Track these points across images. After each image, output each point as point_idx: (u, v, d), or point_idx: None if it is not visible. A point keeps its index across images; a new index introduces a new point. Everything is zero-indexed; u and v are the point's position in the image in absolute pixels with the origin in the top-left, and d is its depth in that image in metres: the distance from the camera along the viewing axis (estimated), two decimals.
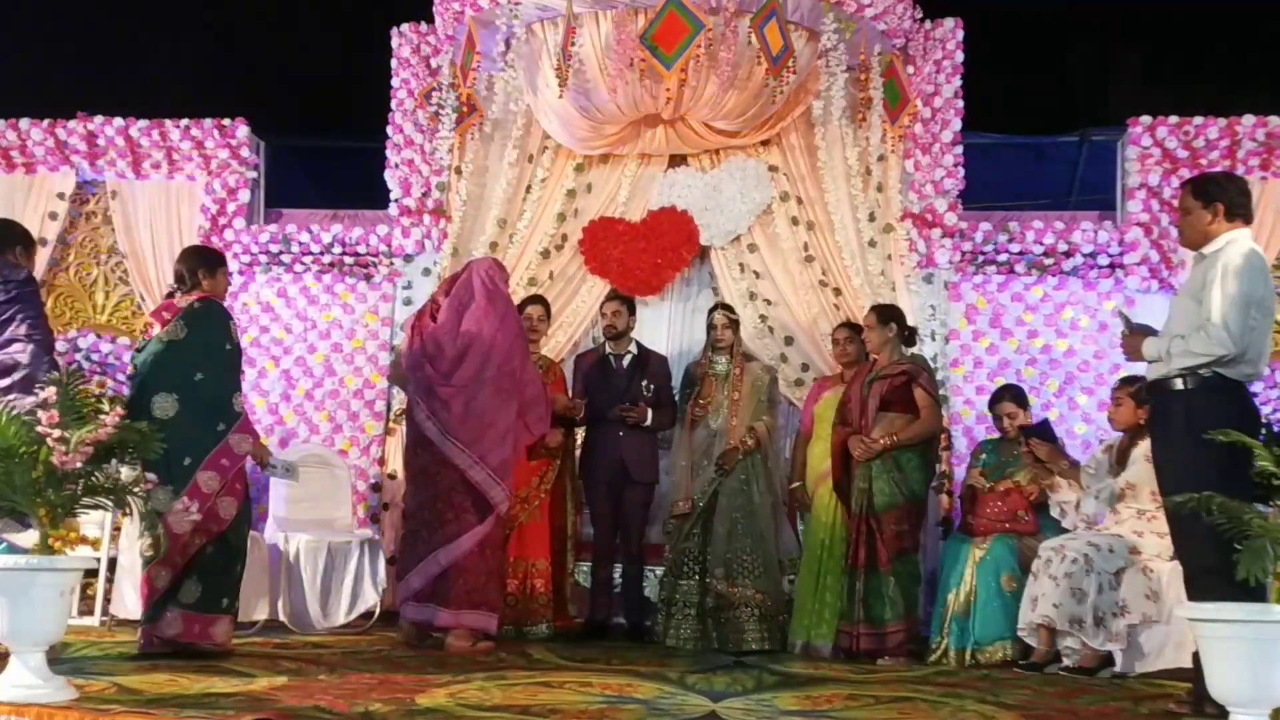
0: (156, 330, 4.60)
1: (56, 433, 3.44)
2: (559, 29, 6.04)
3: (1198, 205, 3.96)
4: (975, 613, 5.12)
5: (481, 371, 5.00)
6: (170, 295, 4.78)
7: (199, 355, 4.53)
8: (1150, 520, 4.88)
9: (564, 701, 3.76)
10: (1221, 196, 3.92)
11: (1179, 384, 3.82)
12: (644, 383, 5.70)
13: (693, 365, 5.87)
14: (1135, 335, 4.06)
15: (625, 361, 5.81)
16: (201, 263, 4.77)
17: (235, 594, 4.64)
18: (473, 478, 4.94)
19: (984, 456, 5.62)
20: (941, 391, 6.04)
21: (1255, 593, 3.17)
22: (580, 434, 5.96)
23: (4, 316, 4.62)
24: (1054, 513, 5.25)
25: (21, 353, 4.57)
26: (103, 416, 3.53)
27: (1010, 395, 5.65)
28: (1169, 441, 3.89)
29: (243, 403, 4.68)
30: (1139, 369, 6.28)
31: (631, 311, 5.91)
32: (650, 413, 5.65)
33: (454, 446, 4.95)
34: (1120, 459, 5.04)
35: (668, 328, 6.81)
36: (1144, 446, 4.85)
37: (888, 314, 5.44)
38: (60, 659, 4.17)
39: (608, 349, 5.87)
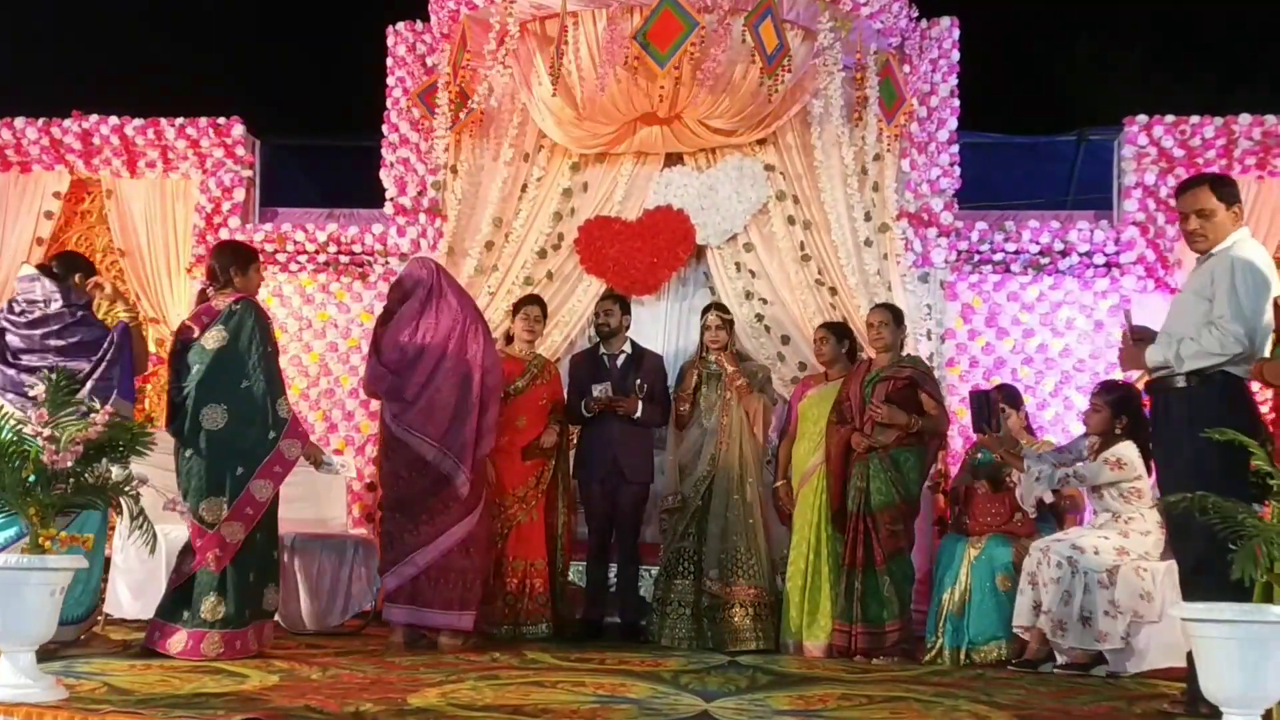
0: (196, 334, 4.59)
1: (47, 432, 3.42)
2: (553, 27, 6.02)
3: (1222, 206, 3.89)
4: (970, 612, 5.12)
5: (436, 368, 5.01)
6: (203, 295, 4.79)
7: (242, 362, 4.54)
8: (1128, 522, 4.88)
9: (556, 701, 3.75)
10: (1239, 197, 3.92)
11: (1181, 382, 3.80)
12: (638, 381, 5.69)
13: (687, 364, 5.86)
14: (1136, 345, 4.00)
15: (620, 360, 5.80)
16: (233, 259, 4.77)
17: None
18: (443, 469, 4.94)
19: (979, 455, 5.60)
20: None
21: (1249, 593, 3.16)
22: (575, 434, 5.94)
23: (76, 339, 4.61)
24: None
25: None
26: (93, 415, 3.51)
27: (1003, 395, 5.61)
28: (1171, 440, 3.87)
29: (289, 406, 4.69)
30: (1137, 371, 6.32)
31: (625, 310, 5.90)
32: (640, 405, 5.63)
33: (417, 438, 4.96)
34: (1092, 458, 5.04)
35: (664, 327, 6.80)
36: (1113, 449, 4.84)
37: (900, 314, 5.49)
38: (54, 657, 4.17)
39: (602, 348, 5.86)
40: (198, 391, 4.52)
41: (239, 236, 7.02)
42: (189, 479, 4.51)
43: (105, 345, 4.53)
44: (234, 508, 4.47)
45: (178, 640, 4.43)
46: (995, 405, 5.16)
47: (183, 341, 4.65)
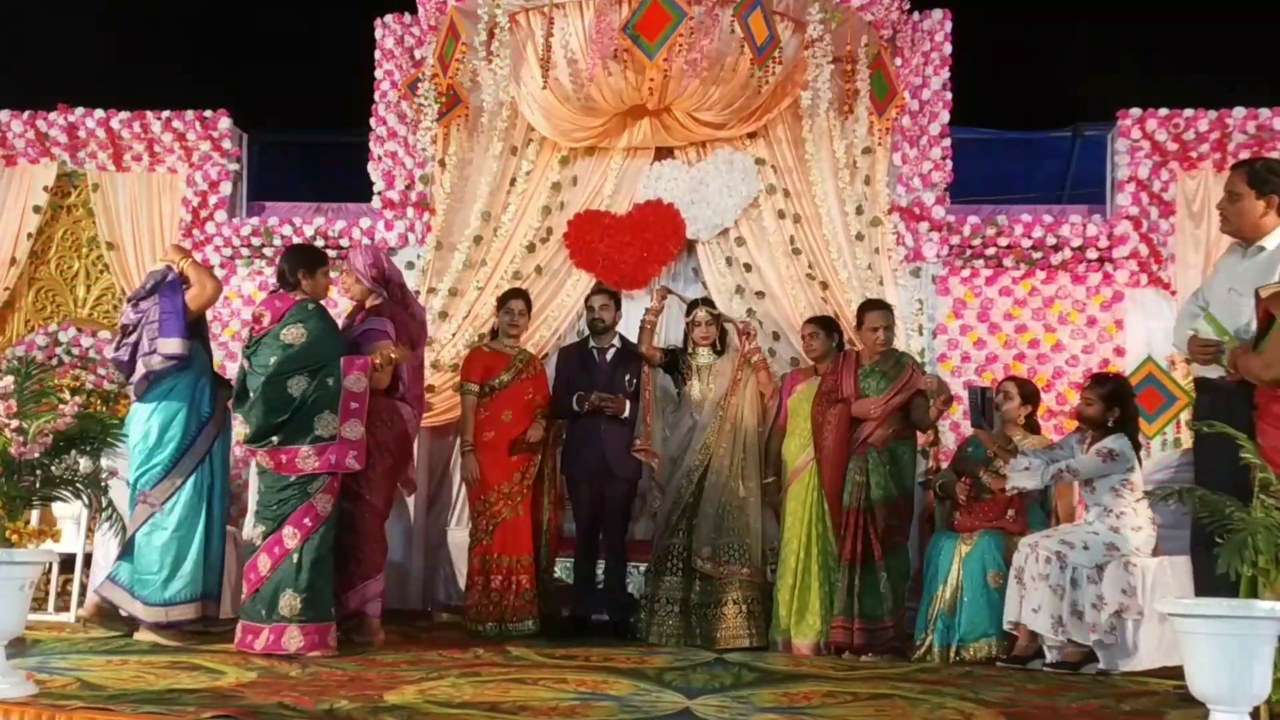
0: (268, 321, 4.71)
1: (14, 423, 3.37)
2: (541, 19, 5.97)
3: (1251, 193, 3.84)
4: (961, 609, 5.07)
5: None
6: (275, 291, 4.90)
7: (317, 359, 4.69)
8: (1119, 517, 4.82)
9: (535, 698, 3.70)
10: (1278, 188, 3.83)
11: (1227, 383, 3.77)
12: (626, 376, 5.64)
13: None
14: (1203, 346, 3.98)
15: (609, 355, 5.75)
16: (302, 263, 4.89)
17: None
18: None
19: (970, 449, 5.55)
20: None
21: None
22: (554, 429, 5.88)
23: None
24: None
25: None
26: (61, 406, 3.45)
27: (1020, 390, 5.55)
28: (1216, 438, 3.83)
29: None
30: (1124, 363, 6.27)
31: (618, 306, 5.85)
32: (629, 405, 5.58)
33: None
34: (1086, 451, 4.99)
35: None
36: (1104, 442, 4.79)
37: (891, 311, 5.47)
38: (27, 653, 4.12)
39: (592, 342, 5.80)
40: (284, 369, 4.64)
41: (225, 230, 6.98)
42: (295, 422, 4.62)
43: (150, 286, 4.79)
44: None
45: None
46: (990, 400, 5.13)
47: (256, 329, 4.75)
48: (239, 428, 4.77)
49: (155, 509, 4.73)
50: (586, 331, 5.99)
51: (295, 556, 4.56)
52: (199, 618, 4.84)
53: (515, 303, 5.77)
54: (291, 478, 4.62)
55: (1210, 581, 3.67)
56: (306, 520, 4.61)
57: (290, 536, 4.59)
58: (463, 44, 6.32)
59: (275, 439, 4.62)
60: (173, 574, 4.73)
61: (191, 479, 4.80)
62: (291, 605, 4.53)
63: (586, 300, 5.97)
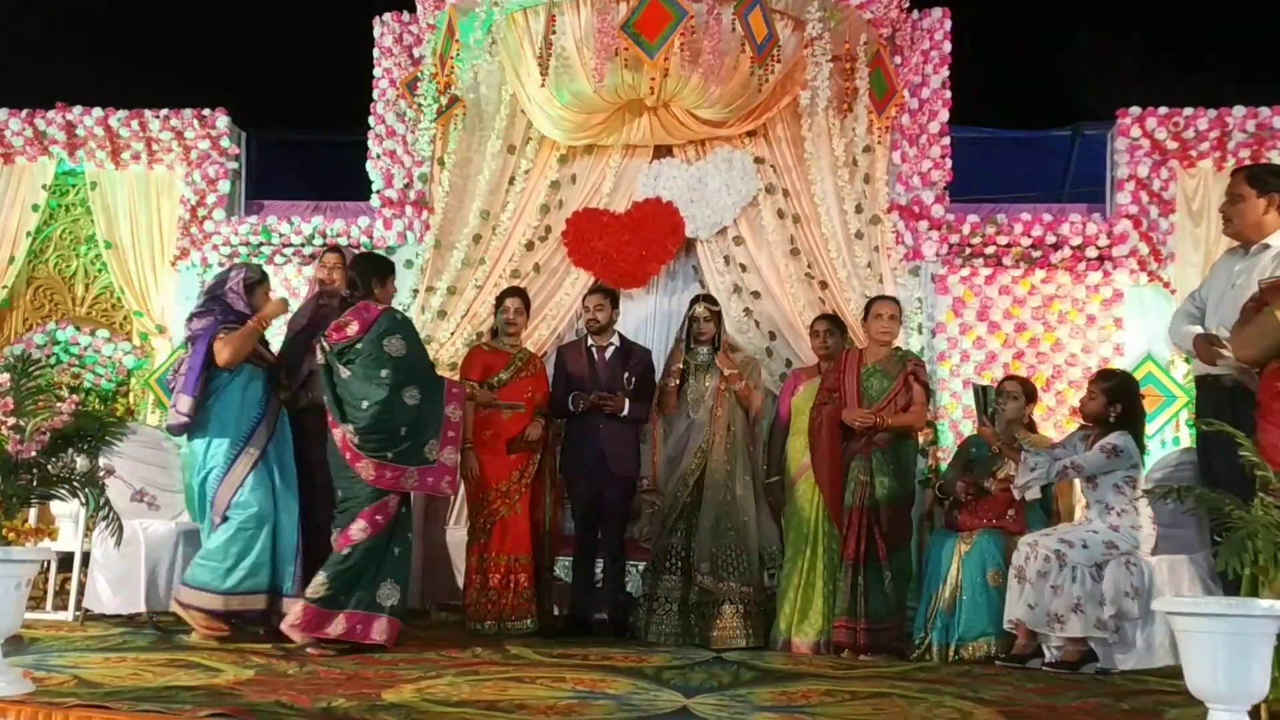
0: (356, 329, 4.81)
1: (12, 421, 3.36)
2: (541, 17, 5.96)
3: (1252, 193, 3.92)
4: (961, 609, 5.05)
5: None
6: (346, 300, 5.01)
7: (414, 369, 4.88)
8: (1120, 515, 4.82)
9: (533, 697, 3.69)
10: (1278, 188, 3.89)
11: (1228, 380, 3.78)
12: (625, 375, 5.63)
13: (668, 363, 5.77)
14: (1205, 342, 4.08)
15: (608, 354, 5.74)
16: (376, 270, 5.06)
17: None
18: None
19: (973, 450, 5.55)
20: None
21: None
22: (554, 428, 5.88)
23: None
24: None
25: None
26: (59, 405, 3.45)
27: (1024, 388, 5.54)
28: (1218, 436, 3.84)
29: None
30: (1123, 361, 6.26)
31: (614, 305, 5.84)
32: (628, 403, 5.58)
33: None
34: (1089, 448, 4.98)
35: (652, 321, 6.74)
36: (1108, 438, 4.79)
37: (898, 304, 5.46)
38: (25, 651, 4.12)
39: (590, 341, 5.79)
40: (392, 386, 4.77)
41: (224, 229, 6.97)
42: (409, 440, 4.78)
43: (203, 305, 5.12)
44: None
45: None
46: (993, 397, 5.12)
47: (340, 338, 4.84)
48: (336, 433, 4.82)
49: (222, 511, 4.88)
50: (586, 331, 5.97)
51: (357, 556, 4.71)
52: (263, 610, 4.93)
53: (511, 301, 5.77)
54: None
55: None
56: (379, 518, 4.76)
57: (360, 531, 4.72)
58: (460, 42, 6.32)
59: (390, 454, 4.76)
60: (234, 565, 4.84)
61: (251, 477, 4.91)
62: (390, 595, 4.73)
63: (583, 300, 5.96)
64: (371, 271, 5.05)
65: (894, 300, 5.48)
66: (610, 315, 5.76)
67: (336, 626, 4.64)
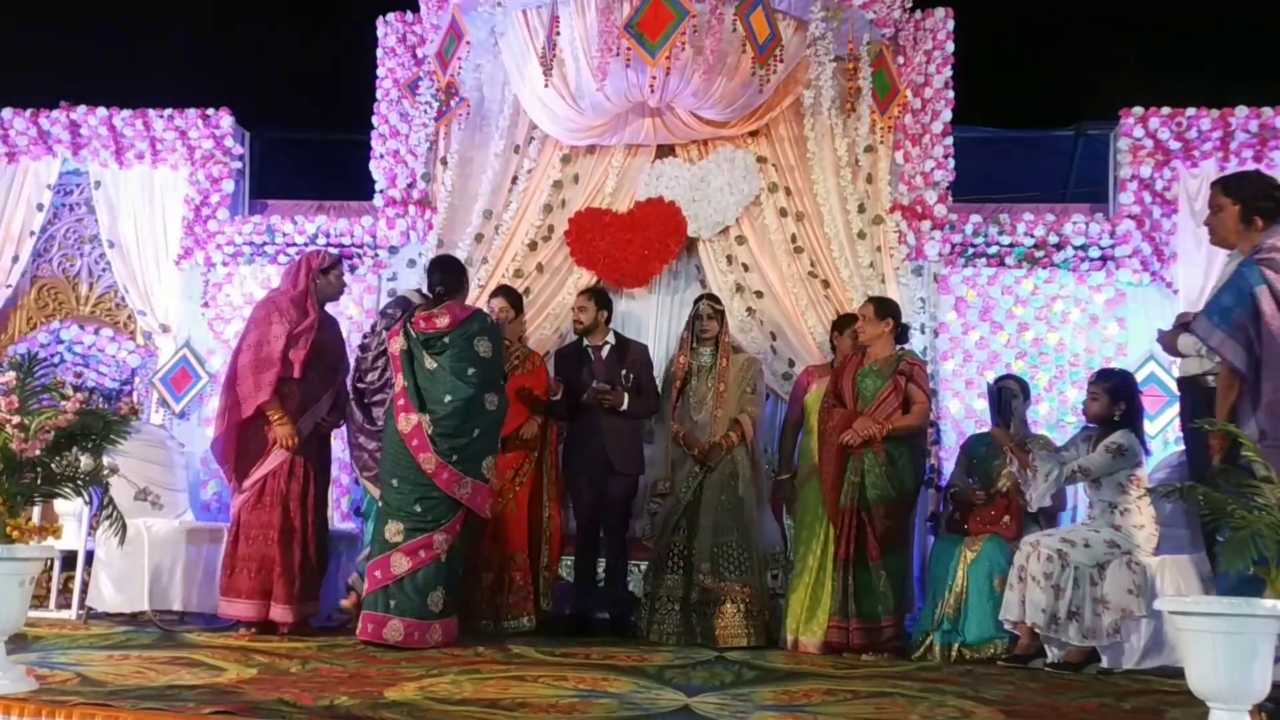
0: (447, 322, 4.96)
1: (16, 419, 3.37)
2: (544, 17, 5.96)
3: (1228, 202, 4.02)
4: (966, 614, 5.05)
5: None
6: (430, 300, 5.14)
7: (497, 368, 5.07)
8: (1123, 514, 4.82)
9: (535, 695, 3.70)
10: (1249, 198, 3.96)
11: (1211, 380, 3.80)
12: (624, 372, 5.64)
13: (671, 363, 5.78)
14: (1172, 331, 4.14)
15: (604, 352, 5.75)
16: (459, 273, 5.28)
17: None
18: None
19: (983, 450, 5.53)
20: (930, 385, 5.96)
21: None
22: (555, 427, 5.87)
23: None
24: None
25: None
26: (63, 403, 3.45)
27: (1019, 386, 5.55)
28: (1201, 436, 3.86)
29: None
30: (1126, 361, 6.26)
31: (601, 305, 5.80)
32: (627, 397, 5.58)
33: None
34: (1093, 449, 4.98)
35: (655, 320, 6.73)
36: (1112, 438, 4.79)
37: (885, 308, 5.39)
38: (28, 649, 4.13)
39: (585, 341, 5.79)
40: (479, 386, 4.90)
41: (227, 228, 6.98)
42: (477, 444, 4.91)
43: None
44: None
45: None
46: (1008, 399, 5.13)
47: (429, 327, 4.96)
48: (409, 420, 4.88)
49: None
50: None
51: (444, 557, 4.83)
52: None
53: (495, 301, 5.80)
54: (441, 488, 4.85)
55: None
56: (458, 526, 4.89)
57: (442, 543, 4.84)
58: (465, 42, 6.32)
59: (455, 456, 4.85)
60: None
61: None
62: (439, 603, 4.82)
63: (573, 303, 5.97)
64: (457, 274, 5.20)
65: (870, 301, 5.45)
66: (595, 316, 5.74)
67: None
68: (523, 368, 5.70)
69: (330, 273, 5.48)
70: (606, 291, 6.03)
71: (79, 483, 3.53)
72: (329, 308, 5.64)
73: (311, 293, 5.42)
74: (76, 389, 3.70)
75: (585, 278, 6.53)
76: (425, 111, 6.62)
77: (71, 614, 5.49)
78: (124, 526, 3.61)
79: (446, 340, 4.91)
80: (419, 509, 4.82)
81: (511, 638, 5.24)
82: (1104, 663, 4.67)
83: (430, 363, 4.89)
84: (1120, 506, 4.82)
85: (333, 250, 6.53)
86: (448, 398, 4.83)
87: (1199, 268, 6.34)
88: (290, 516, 5.17)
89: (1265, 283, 3.75)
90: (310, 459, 5.29)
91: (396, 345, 4.98)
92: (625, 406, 5.57)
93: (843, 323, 5.70)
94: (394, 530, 4.85)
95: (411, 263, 6.67)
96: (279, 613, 5.08)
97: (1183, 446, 4.82)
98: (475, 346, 4.92)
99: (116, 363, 6.93)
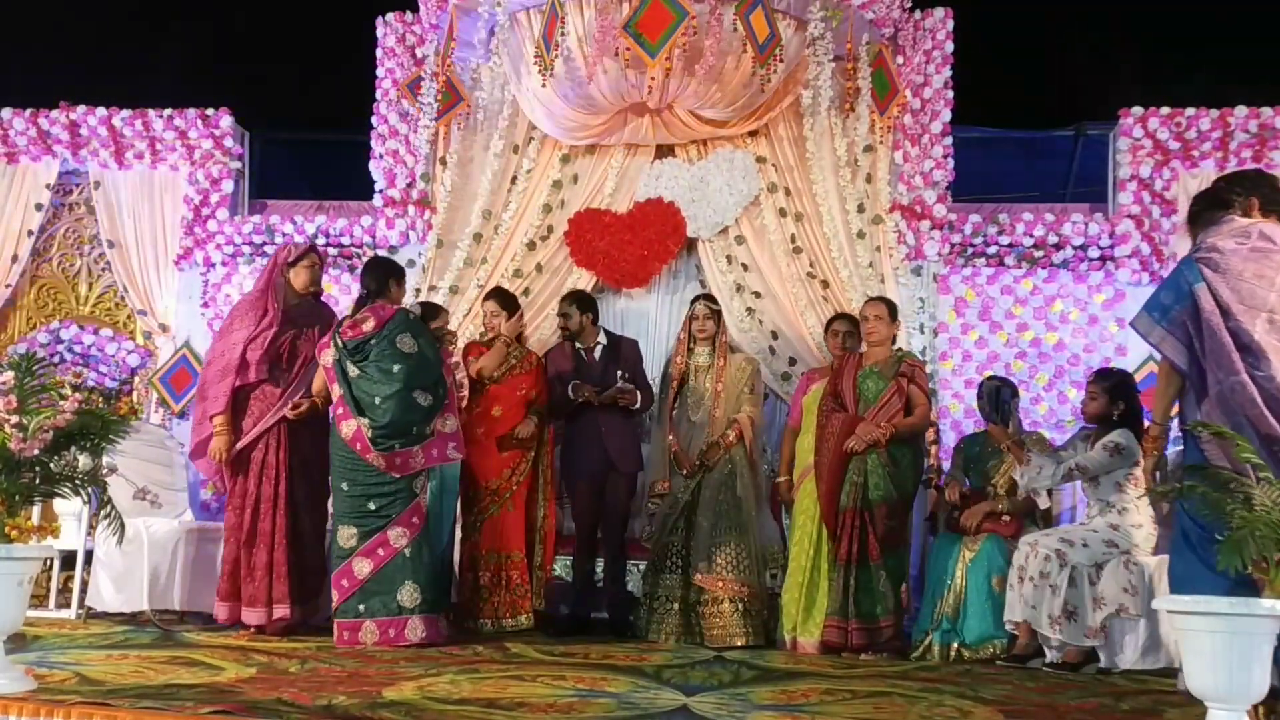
0: (372, 326, 4.98)
1: (15, 419, 3.37)
2: (543, 17, 5.97)
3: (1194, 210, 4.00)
4: (965, 614, 5.05)
5: None
6: (366, 299, 5.14)
7: (432, 365, 5.07)
8: (1121, 513, 4.82)
9: (534, 695, 3.69)
10: (1256, 193, 3.93)
11: None
12: (618, 371, 5.63)
13: (669, 364, 5.78)
14: None
15: (597, 352, 5.74)
16: (391, 273, 5.27)
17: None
18: None
19: (978, 449, 5.53)
20: (930, 385, 5.97)
21: None
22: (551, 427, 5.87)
23: None
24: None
25: None
26: (62, 403, 3.46)
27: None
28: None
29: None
30: (1125, 361, 6.25)
31: (585, 309, 5.74)
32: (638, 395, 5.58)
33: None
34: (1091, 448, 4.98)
35: (654, 320, 6.74)
36: (1110, 436, 4.80)
37: (894, 309, 5.42)
38: (27, 649, 4.13)
39: (577, 342, 5.78)
40: (405, 383, 4.93)
41: (227, 228, 6.99)
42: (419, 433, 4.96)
43: None
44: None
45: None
46: (1006, 398, 5.13)
47: (355, 334, 5.00)
48: (349, 426, 4.92)
49: None
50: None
51: (409, 551, 4.87)
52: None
53: (487, 304, 5.80)
54: (398, 478, 4.89)
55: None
56: (415, 519, 4.92)
57: (399, 537, 4.88)
58: (454, 39, 6.32)
59: (398, 444, 4.88)
60: None
61: None
62: (413, 597, 4.83)
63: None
64: (389, 274, 5.21)
65: (882, 300, 5.44)
66: (580, 320, 5.71)
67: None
68: (520, 368, 5.69)
69: (298, 264, 5.34)
70: (586, 294, 5.99)
71: (78, 482, 3.53)
72: (325, 298, 5.64)
73: (273, 290, 5.31)
74: (75, 389, 3.67)
75: (585, 278, 6.54)
76: (425, 112, 6.63)
77: (71, 613, 5.49)
78: (123, 526, 3.61)
79: (373, 343, 4.98)
80: (372, 506, 4.90)
81: (510, 637, 5.24)
82: (1102, 662, 4.67)
83: (354, 370, 4.96)
84: (1118, 505, 4.82)
85: (299, 240, 6.55)
86: (378, 399, 4.90)
87: None
88: (260, 519, 5.15)
89: (1204, 280, 3.76)
90: (306, 460, 5.26)
91: (328, 357, 5.02)
92: (638, 404, 5.59)
93: (832, 323, 5.70)
94: (346, 535, 4.91)
95: (411, 263, 6.66)
96: (279, 612, 5.07)
97: (1181, 447, 4.82)
98: (398, 344, 4.97)
99: (116, 363, 6.94)
